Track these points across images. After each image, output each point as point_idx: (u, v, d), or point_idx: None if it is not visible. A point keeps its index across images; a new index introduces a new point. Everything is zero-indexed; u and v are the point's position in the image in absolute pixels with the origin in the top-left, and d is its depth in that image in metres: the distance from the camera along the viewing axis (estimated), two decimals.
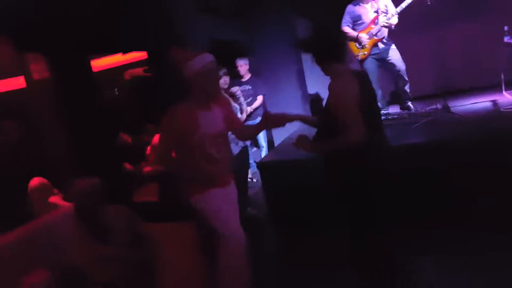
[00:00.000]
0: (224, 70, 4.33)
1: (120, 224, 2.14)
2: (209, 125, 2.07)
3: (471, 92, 4.35)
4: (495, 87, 4.13)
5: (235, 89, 4.21)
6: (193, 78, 2.00)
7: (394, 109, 4.35)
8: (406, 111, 4.20)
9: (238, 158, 3.62)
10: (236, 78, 4.86)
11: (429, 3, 3.52)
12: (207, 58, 2.03)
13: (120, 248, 2.09)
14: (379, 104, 4.16)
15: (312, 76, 5.31)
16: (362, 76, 2.02)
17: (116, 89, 5.40)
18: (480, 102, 3.87)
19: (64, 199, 3.03)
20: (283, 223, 3.47)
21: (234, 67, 4.85)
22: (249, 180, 4.52)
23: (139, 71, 5.11)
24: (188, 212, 2.16)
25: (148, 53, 4.20)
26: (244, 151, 3.80)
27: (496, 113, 3.41)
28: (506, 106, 3.45)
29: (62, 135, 3.81)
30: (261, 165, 3.66)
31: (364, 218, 1.98)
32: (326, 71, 2.02)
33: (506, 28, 3.72)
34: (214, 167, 2.12)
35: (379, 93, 4.17)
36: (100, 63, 5.20)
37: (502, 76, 4.01)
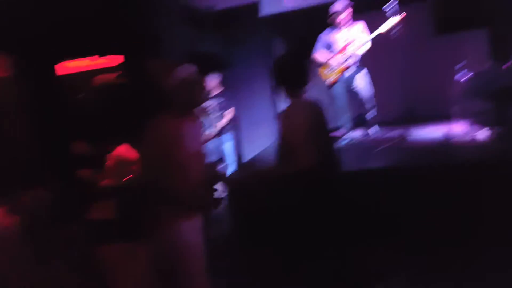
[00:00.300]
0: None
1: (70, 243, 2.02)
2: (192, 140, 1.98)
3: (428, 121, 4.70)
4: (448, 118, 4.40)
5: (208, 103, 4.21)
6: (178, 88, 1.92)
7: (359, 133, 4.52)
8: (369, 135, 4.40)
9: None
10: (208, 92, 4.89)
11: (398, 34, 3.70)
12: (193, 69, 1.98)
13: (69, 268, 1.96)
14: (348, 126, 4.34)
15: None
16: (314, 106, 2.11)
17: (83, 94, 5.23)
18: (435, 132, 4.15)
19: (7, 213, 2.75)
20: (248, 242, 3.46)
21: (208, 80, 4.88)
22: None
23: (110, 77, 5.00)
24: (148, 233, 2.09)
25: (124, 58, 4.09)
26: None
27: (447, 143, 3.67)
28: (458, 136, 3.75)
29: (16, 138, 3.65)
30: (229, 181, 3.66)
31: (319, 239, 2.05)
32: (284, 96, 2.12)
33: (460, 65, 3.99)
34: (193, 187, 1.99)
35: (346, 116, 4.34)
36: (71, 65, 5.04)
37: (455, 109, 4.28)
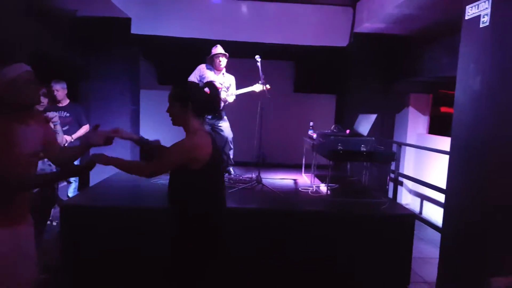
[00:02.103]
0: (43, 90, 3.76)
1: None
2: (25, 143, 1.81)
3: (281, 168, 5.22)
4: (298, 168, 5.00)
5: (52, 115, 3.61)
6: (7, 88, 1.76)
7: None
8: (227, 174, 4.54)
9: (43, 193, 3.14)
10: (52, 103, 4.28)
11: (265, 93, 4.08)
12: (25, 67, 1.83)
13: None
14: None
15: (147, 121, 5.17)
16: (212, 137, 2.06)
17: None
18: (286, 179, 4.54)
19: None
20: (80, 278, 3.09)
21: (51, 90, 4.28)
22: (48, 222, 3.87)
23: None
24: None
25: None
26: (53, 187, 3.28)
27: (295, 191, 4.02)
28: (303, 186, 4.14)
29: None
30: (65, 208, 3.16)
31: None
32: (184, 122, 1.98)
33: (311, 123, 4.58)
34: (23, 195, 1.87)
35: None
36: None
37: (304, 160, 4.86)
